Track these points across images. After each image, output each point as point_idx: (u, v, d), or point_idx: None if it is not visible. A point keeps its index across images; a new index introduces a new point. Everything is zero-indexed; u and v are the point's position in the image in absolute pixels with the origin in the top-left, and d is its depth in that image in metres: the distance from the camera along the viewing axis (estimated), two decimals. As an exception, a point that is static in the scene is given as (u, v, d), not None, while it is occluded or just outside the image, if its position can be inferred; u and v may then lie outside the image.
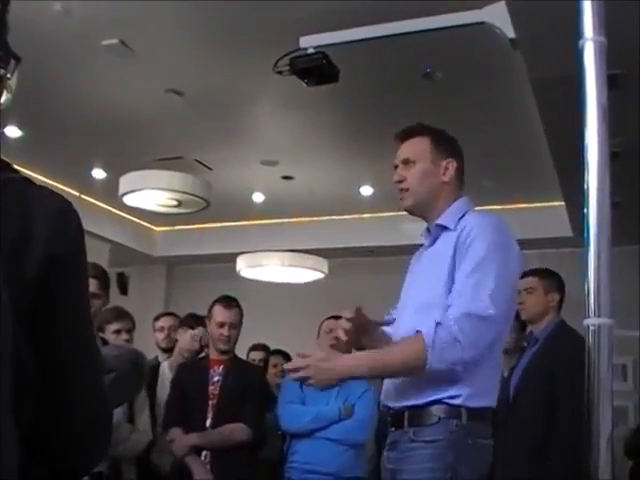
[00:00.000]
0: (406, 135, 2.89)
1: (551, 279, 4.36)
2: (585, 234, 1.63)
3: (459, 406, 2.55)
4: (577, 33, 1.44)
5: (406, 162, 2.84)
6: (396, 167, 2.88)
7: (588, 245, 1.46)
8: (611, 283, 1.48)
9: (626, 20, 3.82)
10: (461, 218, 2.74)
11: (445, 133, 2.93)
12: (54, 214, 1.31)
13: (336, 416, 4.56)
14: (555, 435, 3.84)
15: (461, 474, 2.53)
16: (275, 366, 6.24)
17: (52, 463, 1.34)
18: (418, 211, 2.88)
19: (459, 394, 2.55)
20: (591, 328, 1.37)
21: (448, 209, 2.79)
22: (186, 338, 5.14)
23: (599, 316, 1.39)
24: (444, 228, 2.76)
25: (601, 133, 1.40)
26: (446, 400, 2.56)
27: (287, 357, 6.27)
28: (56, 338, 1.29)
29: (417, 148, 2.84)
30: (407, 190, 2.83)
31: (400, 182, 2.84)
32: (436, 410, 2.57)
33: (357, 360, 2.64)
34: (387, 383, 2.78)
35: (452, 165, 2.82)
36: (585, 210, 1.57)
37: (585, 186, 1.63)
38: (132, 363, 2.50)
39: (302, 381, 2.64)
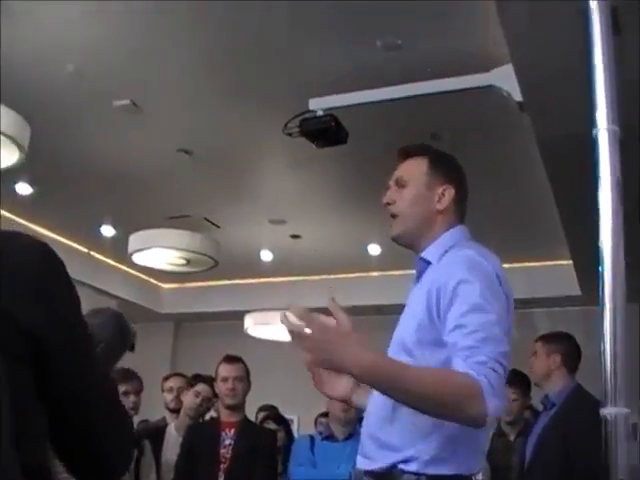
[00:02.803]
0: (405, 154, 2.57)
1: (552, 341, 4.39)
2: (601, 330, 1.59)
3: (416, 474, 2.20)
4: (591, 121, 1.47)
5: (399, 183, 2.51)
6: (388, 189, 2.55)
7: (604, 340, 1.46)
8: (628, 369, 1.47)
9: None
10: (446, 252, 2.41)
11: (448, 157, 2.60)
12: (33, 276, 1.29)
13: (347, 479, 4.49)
14: None
15: None
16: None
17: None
18: (406, 241, 2.52)
19: (415, 456, 2.21)
20: (608, 418, 1.36)
21: (436, 241, 2.44)
22: (189, 397, 5.13)
23: (616, 405, 1.38)
24: (428, 263, 2.43)
25: (615, 201, 1.42)
26: (401, 466, 2.22)
27: (279, 420, 6.11)
28: (62, 376, 1.32)
29: (413, 169, 2.51)
30: (396, 216, 2.50)
31: (389, 204, 2.51)
32: (392, 478, 2.23)
33: (360, 355, 2.08)
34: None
35: (449, 192, 2.47)
36: (601, 307, 1.54)
37: (600, 273, 1.59)
38: (118, 328, 2.52)
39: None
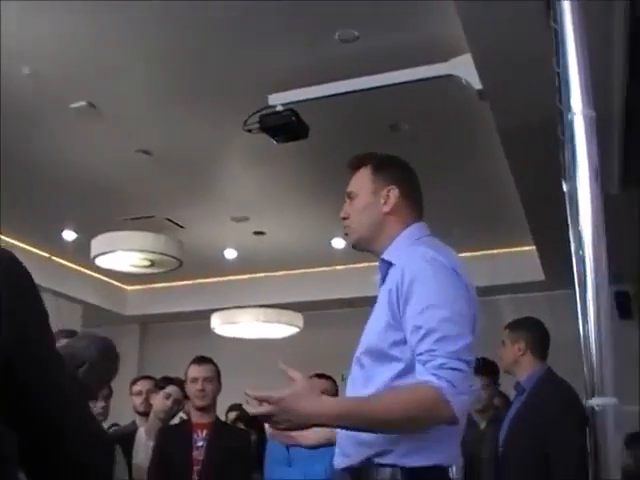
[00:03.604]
0: (353, 167, 2.66)
1: (517, 328, 4.40)
2: (580, 317, 1.57)
3: (392, 466, 2.24)
4: (566, 106, 1.45)
5: (350, 196, 2.61)
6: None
7: (587, 322, 1.44)
8: (613, 359, 1.45)
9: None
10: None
11: (390, 158, 2.68)
12: None
13: (323, 477, 4.46)
14: None
15: None
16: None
17: None
18: (363, 247, 2.60)
19: (390, 450, 2.24)
20: (596, 409, 1.33)
21: (394, 242, 2.50)
22: (159, 399, 5.08)
23: (603, 395, 1.35)
24: (390, 264, 2.45)
25: (594, 190, 1.40)
26: (377, 460, 2.26)
27: (249, 420, 6.02)
28: (29, 394, 1.29)
29: (359, 180, 2.61)
30: (350, 227, 2.60)
31: (345, 219, 2.61)
32: (369, 472, 2.27)
33: (323, 406, 2.18)
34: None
35: (393, 193, 2.53)
36: (585, 294, 1.51)
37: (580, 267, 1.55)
38: (101, 350, 2.51)
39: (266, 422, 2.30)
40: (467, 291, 2.30)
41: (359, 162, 2.64)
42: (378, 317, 2.37)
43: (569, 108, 1.42)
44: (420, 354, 2.18)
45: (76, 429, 1.36)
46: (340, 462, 2.40)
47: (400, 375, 2.26)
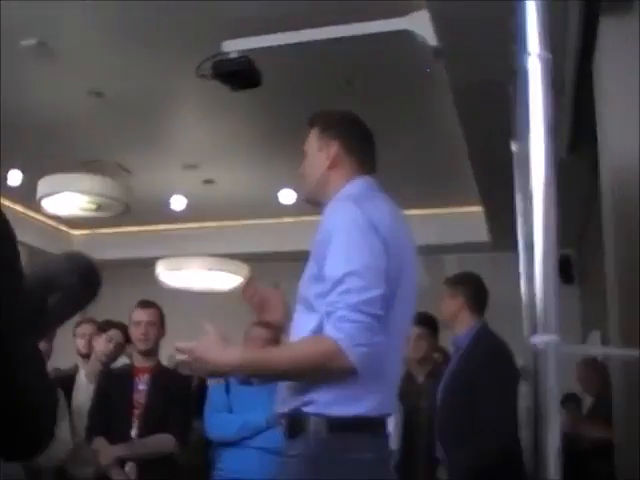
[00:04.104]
0: (309, 125, 2.77)
1: (455, 284, 4.46)
2: (521, 243, 1.58)
3: (317, 415, 2.31)
4: (519, 47, 1.41)
5: (304, 155, 2.75)
6: None
7: (532, 251, 1.43)
8: (556, 295, 1.46)
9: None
10: None
11: (339, 115, 2.80)
12: None
13: (263, 424, 4.48)
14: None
15: None
16: None
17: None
18: (313, 201, 2.75)
19: (315, 399, 2.32)
20: (538, 346, 1.33)
21: (336, 196, 2.58)
22: (101, 343, 5.08)
23: (545, 333, 1.35)
24: None
25: (548, 146, 1.38)
26: (305, 409, 2.34)
27: None
28: None
29: (310, 139, 2.73)
30: (303, 183, 2.76)
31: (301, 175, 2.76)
32: (299, 420, 2.35)
33: (229, 355, 2.34)
34: None
35: (333, 148, 2.64)
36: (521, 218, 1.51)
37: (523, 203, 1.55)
38: (81, 275, 2.42)
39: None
40: (385, 246, 2.36)
41: (312, 120, 2.76)
42: (308, 268, 2.47)
43: (524, 49, 1.37)
44: (326, 305, 2.29)
45: (23, 367, 1.33)
46: (277, 408, 2.50)
47: (319, 326, 2.34)
